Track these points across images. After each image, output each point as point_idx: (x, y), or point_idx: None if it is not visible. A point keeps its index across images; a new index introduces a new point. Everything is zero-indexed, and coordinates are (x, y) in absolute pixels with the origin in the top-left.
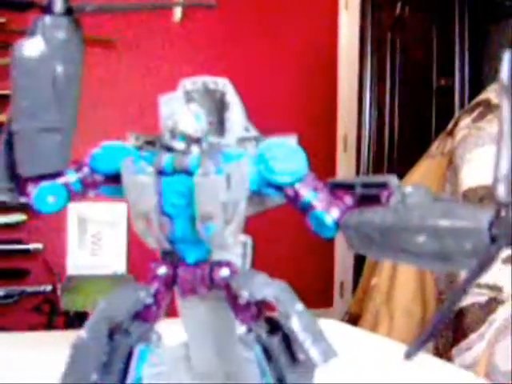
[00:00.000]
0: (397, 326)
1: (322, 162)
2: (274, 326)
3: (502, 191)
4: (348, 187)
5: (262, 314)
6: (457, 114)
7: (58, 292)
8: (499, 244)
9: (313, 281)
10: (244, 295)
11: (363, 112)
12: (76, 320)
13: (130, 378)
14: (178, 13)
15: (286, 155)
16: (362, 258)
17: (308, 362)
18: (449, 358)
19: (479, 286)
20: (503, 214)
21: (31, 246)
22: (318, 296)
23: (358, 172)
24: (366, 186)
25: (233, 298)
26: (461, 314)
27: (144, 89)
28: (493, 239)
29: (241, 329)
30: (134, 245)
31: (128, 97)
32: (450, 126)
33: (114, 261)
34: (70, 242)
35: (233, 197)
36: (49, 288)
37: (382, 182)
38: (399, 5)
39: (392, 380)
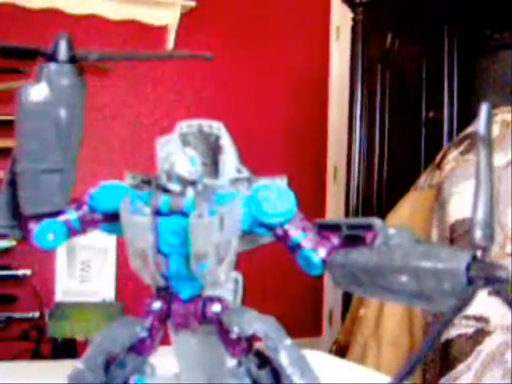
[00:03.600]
0: (385, 357)
1: (312, 191)
2: (264, 360)
3: (478, 235)
4: (334, 228)
5: (251, 348)
6: (445, 146)
7: (46, 319)
8: (476, 285)
9: (302, 309)
10: (235, 330)
11: (353, 143)
12: (63, 347)
13: None
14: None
15: (277, 198)
16: None
17: None
18: None
19: (466, 317)
20: (479, 256)
21: (19, 272)
22: (307, 325)
23: (347, 202)
24: (351, 227)
25: (224, 333)
26: (448, 344)
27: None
28: (470, 280)
29: (231, 362)
30: (123, 273)
31: (123, 130)
32: (438, 158)
33: (103, 288)
34: (59, 268)
35: (225, 237)
36: (36, 314)
37: (367, 224)
38: (389, 37)
39: None
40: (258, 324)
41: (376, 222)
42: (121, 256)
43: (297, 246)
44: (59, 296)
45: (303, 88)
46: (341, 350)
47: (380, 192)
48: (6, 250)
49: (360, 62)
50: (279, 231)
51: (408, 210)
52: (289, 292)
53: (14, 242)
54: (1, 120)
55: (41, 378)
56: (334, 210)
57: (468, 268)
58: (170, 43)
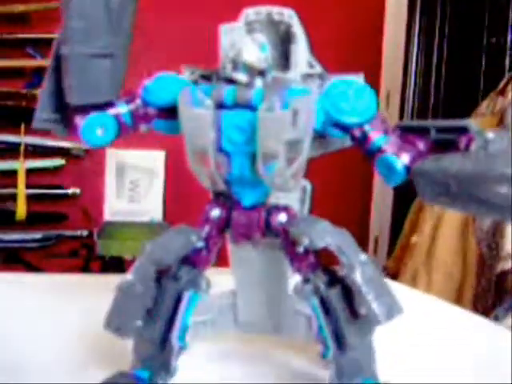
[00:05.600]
0: (435, 285)
1: None
2: (333, 278)
3: None
4: (421, 131)
5: (319, 263)
6: (507, 74)
7: (95, 237)
8: None
9: None
10: (304, 242)
11: (409, 69)
12: (111, 265)
13: (177, 325)
14: None
15: (355, 94)
16: (400, 214)
17: (369, 318)
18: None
19: None
20: None
21: (69, 191)
22: None
23: None
24: (441, 130)
25: (290, 245)
26: (503, 276)
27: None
28: None
29: (296, 278)
30: (171, 193)
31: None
32: (501, 85)
33: (151, 208)
34: (108, 188)
35: (298, 135)
36: (85, 233)
37: (460, 127)
38: None
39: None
40: (330, 236)
41: (471, 124)
42: (169, 176)
43: (377, 150)
44: (108, 215)
45: (359, 11)
46: (390, 277)
47: (436, 118)
48: (56, 169)
49: None
50: (357, 132)
51: None
52: (333, 217)
53: (63, 161)
54: (40, 38)
55: (91, 290)
56: None
57: None
58: None
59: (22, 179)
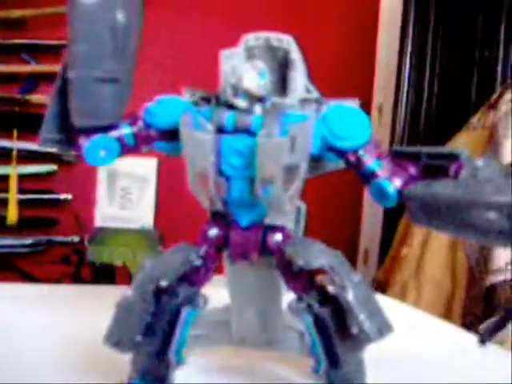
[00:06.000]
0: (424, 298)
1: None
2: (326, 297)
3: None
4: (412, 157)
5: (313, 283)
6: (500, 87)
7: (86, 243)
8: None
9: (337, 248)
10: (299, 263)
11: (402, 80)
12: (102, 271)
13: (175, 340)
14: None
15: (350, 120)
16: (390, 226)
17: (361, 336)
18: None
19: None
20: None
21: (61, 196)
22: None
23: (392, 142)
24: (432, 156)
25: (285, 265)
26: (492, 290)
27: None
28: None
29: (290, 296)
30: (163, 201)
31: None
32: (493, 99)
33: (142, 215)
34: (100, 194)
35: (295, 160)
36: (76, 239)
37: (450, 154)
38: None
39: (416, 348)
40: (324, 257)
41: (461, 151)
42: (161, 184)
43: (370, 175)
44: (99, 221)
45: (353, 21)
46: (379, 289)
47: (428, 131)
48: (49, 174)
49: None
50: (351, 157)
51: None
52: (324, 230)
53: (56, 167)
54: (49, 44)
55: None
56: None
57: None
58: None
59: (13, 184)
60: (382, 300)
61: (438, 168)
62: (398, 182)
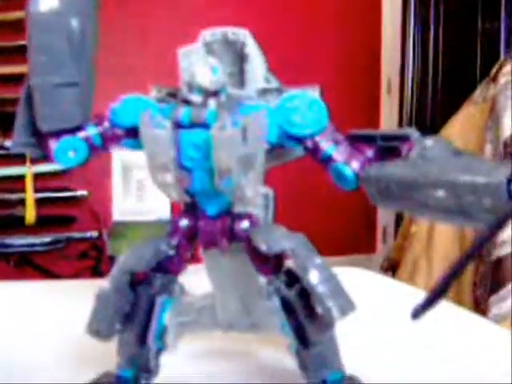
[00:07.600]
0: (435, 273)
1: (366, 103)
2: (293, 279)
3: None
4: (368, 140)
5: (281, 266)
6: (501, 58)
7: (104, 238)
8: None
9: (356, 226)
10: (262, 248)
11: (406, 55)
12: None
13: (153, 327)
14: None
15: (306, 107)
16: None
17: (326, 316)
18: (487, 307)
19: None
20: None
21: (77, 193)
22: (361, 241)
23: (401, 114)
24: (386, 138)
25: (253, 251)
26: (499, 263)
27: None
28: (511, 195)
29: (262, 280)
30: None
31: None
32: (493, 71)
33: (159, 207)
34: (115, 188)
35: (250, 150)
36: (95, 234)
37: (402, 135)
38: None
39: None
40: (285, 241)
41: (412, 132)
42: None
43: (328, 159)
44: (116, 215)
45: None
46: (392, 267)
47: (434, 104)
48: (64, 172)
49: None
50: (309, 143)
51: (461, 124)
52: (342, 209)
53: None
54: (14, 46)
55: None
56: (388, 122)
57: (509, 182)
58: None
59: (29, 184)
60: (390, 282)
61: (392, 149)
62: (355, 165)
